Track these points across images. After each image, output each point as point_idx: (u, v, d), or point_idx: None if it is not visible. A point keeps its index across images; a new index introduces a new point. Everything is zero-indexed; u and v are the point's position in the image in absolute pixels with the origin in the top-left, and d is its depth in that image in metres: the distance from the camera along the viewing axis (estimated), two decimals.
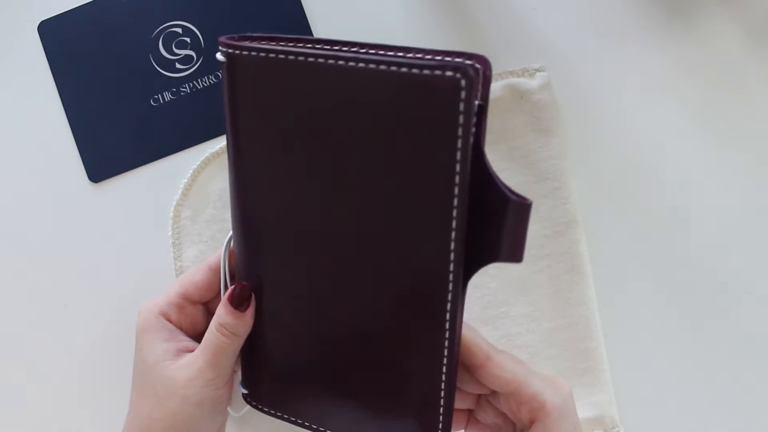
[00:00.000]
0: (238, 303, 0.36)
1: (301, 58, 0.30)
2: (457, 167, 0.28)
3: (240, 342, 0.37)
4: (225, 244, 0.39)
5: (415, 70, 0.27)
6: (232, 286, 0.36)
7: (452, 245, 0.30)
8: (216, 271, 0.39)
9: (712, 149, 0.47)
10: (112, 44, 0.47)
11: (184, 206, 0.47)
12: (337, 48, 0.32)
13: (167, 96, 0.47)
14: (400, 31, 0.47)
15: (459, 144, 0.28)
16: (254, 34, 0.34)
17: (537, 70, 0.46)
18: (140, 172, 0.47)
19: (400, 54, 0.31)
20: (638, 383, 0.46)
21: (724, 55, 0.47)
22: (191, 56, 0.47)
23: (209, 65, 0.47)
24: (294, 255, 0.34)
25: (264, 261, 0.36)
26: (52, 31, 0.47)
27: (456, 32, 0.47)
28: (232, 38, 0.33)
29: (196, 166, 0.47)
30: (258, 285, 0.36)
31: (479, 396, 0.38)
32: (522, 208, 0.29)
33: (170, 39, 0.47)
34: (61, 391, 0.47)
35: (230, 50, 0.32)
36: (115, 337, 0.47)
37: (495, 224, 0.30)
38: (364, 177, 0.31)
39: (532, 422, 0.34)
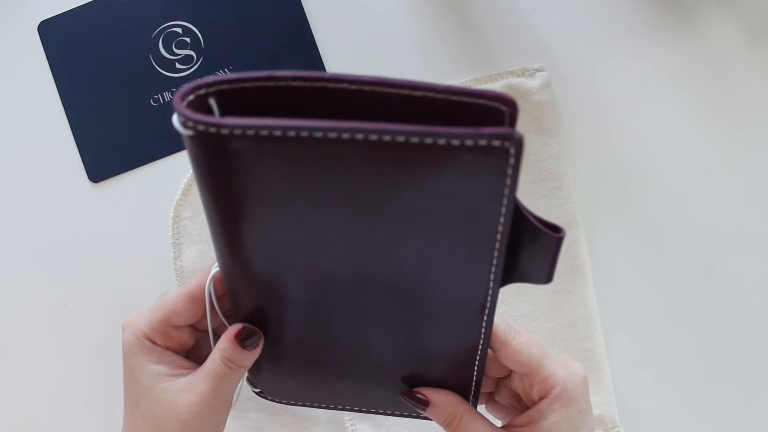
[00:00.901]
0: (243, 340, 0.35)
1: (305, 134, 0.24)
2: (501, 219, 0.28)
3: (246, 370, 0.36)
4: (209, 278, 0.36)
5: (455, 141, 0.24)
6: (239, 326, 0.34)
7: (491, 281, 0.31)
8: (198, 300, 0.36)
9: (712, 148, 0.47)
10: (112, 44, 0.47)
11: (184, 206, 0.47)
12: (326, 82, 0.27)
13: (167, 96, 0.47)
14: (401, 31, 0.47)
15: (504, 201, 0.27)
16: (209, 80, 0.26)
17: (537, 70, 0.46)
18: (140, 172, 0.47)
19: (405, 91, 0.26)
20: (638, 383, 0.46)
21: (723, 54, 0.47)
22: (191, 56, 0.47)
23: (209, 65, 0.47)
24: (311, 293, 0.32)
25: (272, 295, 0.33)
26: (52, 31, 0.47)
27: (456, 32, 0.47)
28: (196, 88, 0.26)
29: None
30: (264, 307, 0.34)
31: (498, 380, 0.39)
32: (553, 241, 0.29)
33: (170, 39, 0.47)
34: (61, 390, 0.47)
35: (200, 125, 0.24)
36: (115, 337, 0.47)
37: (527, 253, 0.30)
38: (395, 228, 0.28)
39: (540, 400, 0.36)
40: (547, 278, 0.31)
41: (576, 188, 0.46)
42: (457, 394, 0.37)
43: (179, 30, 0.47)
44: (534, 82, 0.45)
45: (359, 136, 0.24)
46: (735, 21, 0.47)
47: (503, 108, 0.26)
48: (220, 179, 0.27)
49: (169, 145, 0.47)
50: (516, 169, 0.25)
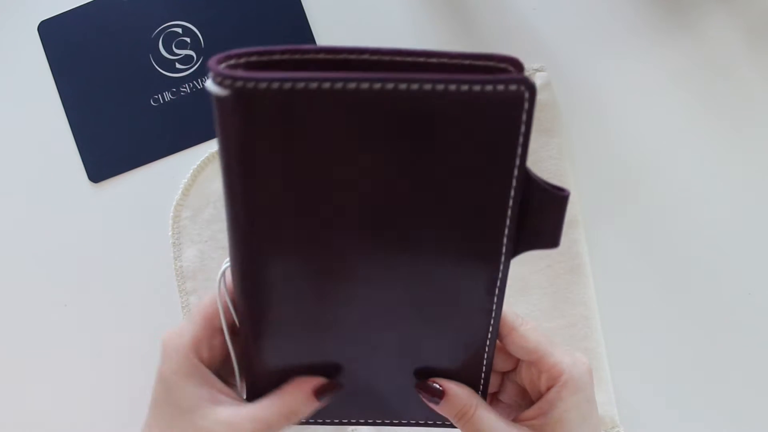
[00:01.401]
0: (319, 395, 0.35)
1: (339, 85, 0.25)
2: (515, 171, 0.29)
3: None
4: (221, 272, 0.35)
5: (476, 87, 0.26)
6: (320, 380, 0.35)
7: (504, 240, 0.32)
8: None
9: (711, 148, 0.47)
10: (112, 44, 0.47)
11: (184, 206, 0.47)
12: (355, 55, 0.28)
13: (167, 96, 0.47)
14: (400, 31, 0.47)
15: (519, 151, 0.29)
16: (240, 51, 0.27)
17: (537, 70, 0.46)
18: (140, 172, 0.47)
19: (422, 59, 0.28)
20: (638, 383, 0.46)
21: (723, 54, 0.47)
22: (191, 56, 0.47)
23: None
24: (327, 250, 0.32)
25: (288, 273, 0.32)
26: (52, 31, 0.47)
27: (456, 32, 0.47)
28: (225, 58, 0.27)
29: (196, 166, 0.47)
30: (273, 303, 0.34)
31: (503, 377, 0.39)
32: (559, 199, 0.31)
33: (170, 39, 0.47)
34: (61, 390, 0.47)
35: (239, 82, 0.25)
36: (115, 337, 0.47)
37: (535, 217, 0.32)
38: (418, 181, 0.29)
39: (548, 390, 0.36)
40: (554, 241, 0.33)
41: (576, 188, 0.46)
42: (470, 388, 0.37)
43: (179, 30, 0.47)
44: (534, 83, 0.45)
45: (389, 86, 0.25)
46: (735, 21, 0.47)
47: (511, 68, 0.28)
48: (249, 138, 0.27)
49: (169, 145, 0.47)
50: (530, 115, 0.27)
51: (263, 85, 0.25)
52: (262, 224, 0.30)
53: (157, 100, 0.47)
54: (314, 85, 0.25)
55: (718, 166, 0.47)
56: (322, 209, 0.30)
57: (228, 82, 0.25)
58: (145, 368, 0.47)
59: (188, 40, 0.47)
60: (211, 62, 0.26)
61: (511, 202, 0.30)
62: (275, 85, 0.25)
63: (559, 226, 0.32)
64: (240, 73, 0.25)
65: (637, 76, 0.47)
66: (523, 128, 0.28)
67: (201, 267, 0.46)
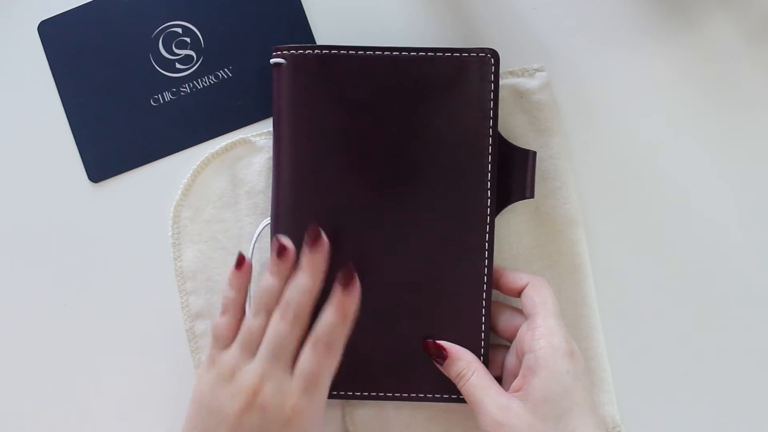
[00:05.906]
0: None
1: (357, 52, 0.41)
2: (490, 131, 0.41)
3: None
4: (260, 227, 0.43)
5: (456, 54, 0.41)
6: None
7: (488, 185, 0.41)
8: None
9: (711, 149, 0.47)
10: (112, 44, 0.47)
11: (184, 206, 0.47)
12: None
13: (167, 96, 0.47)
14: (400, 32, 0.47)
15: (491, 105, 0.41)
16: (285, 46, 0.42)
17: (537, 70, 0.46)
18: (140, 172, 0.47)
19: (422, 53, 0.41)
20: (639, 383, 0.46)
21: (723, 55, 0.47)
22: (191, 56, 0.47)
23: (209, 65, 0.47)
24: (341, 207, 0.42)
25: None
26: (52, 31, 0.47)
27: (456, 32, 0.47)
28: (276, 49, 0.42)
29: (196, 166, 0.47)
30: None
31: (505, 356, 0.43)
32: (528, 155, 0.43)
33: (170, 39, 0.47)
34: (60, 391, 0.47)
35: (290, 51, 0.42)
36: (115, 336, 0.47)
37: (510, 175, 0.42)
38: (416, 133, 0.41)
39: (530, 351, 0.39)
40: (530, 192, 0.43)
41: (576, 188, 0.46)
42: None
43: (179, 30, 0.47)
44: (534, 82, 0.45)
45: (404, 53, 0.41)
46: (735, 23, 0.47)
47: (488, 55, 0.42)
48: (297, 90, 0.42)
49: (169, 145, 0.47)
50: (496, 74, 0.41)
51: (306, 52, 0.41)
52: (303, 165, 0.42)
53: (157, 100, 0.47)
54: (339, 52, 0.41)
55: (719, 166, 0.47)
56: (347, 147, 0.41)
57: (285, 52, 0.42)
58: (145, 368, 0.47)
59: (188, 40, 0.47)
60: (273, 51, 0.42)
61: (490, 158, 0.41)
62: (314, 52, 0.41)
63: (532, 179, 0.43)
64: (291, 46, 0.42)
65: (637, 76, 0.47)
66: (492, 86, 0.41)
67: (201, 267, 0.46)
